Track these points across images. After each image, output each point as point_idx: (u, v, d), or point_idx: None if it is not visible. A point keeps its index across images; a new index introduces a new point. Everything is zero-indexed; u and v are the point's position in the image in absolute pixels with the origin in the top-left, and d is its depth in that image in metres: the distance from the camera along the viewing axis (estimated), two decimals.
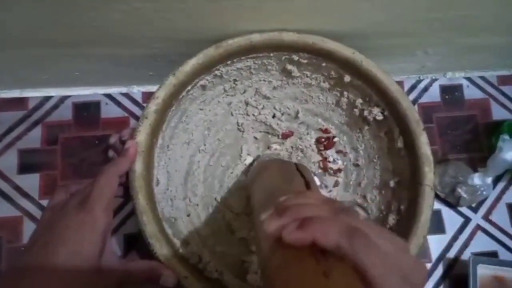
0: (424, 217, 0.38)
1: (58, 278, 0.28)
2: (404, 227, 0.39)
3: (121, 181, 0.37)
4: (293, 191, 0.31)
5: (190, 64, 0.39)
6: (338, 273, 0.21)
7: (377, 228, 0.24)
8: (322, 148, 0.50)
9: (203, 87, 0.43)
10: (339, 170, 0.49)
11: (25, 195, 0.48)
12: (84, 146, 0.50)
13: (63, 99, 0.51)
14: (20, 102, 0.50)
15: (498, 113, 0.56)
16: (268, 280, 0.24)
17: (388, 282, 0.21)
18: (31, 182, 0.49)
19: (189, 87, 0.41)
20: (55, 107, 0.51)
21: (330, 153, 0.50)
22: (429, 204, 0.39)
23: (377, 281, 0.21)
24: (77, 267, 0.29)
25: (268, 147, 0.50)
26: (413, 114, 0.40)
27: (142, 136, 0.37)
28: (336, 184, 0.49)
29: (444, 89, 0.57)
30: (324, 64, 0.43)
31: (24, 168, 0.49)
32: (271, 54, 0.43)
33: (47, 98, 0.51)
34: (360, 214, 0.26)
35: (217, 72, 0.42)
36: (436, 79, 0.57)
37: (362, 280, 0.21)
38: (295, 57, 0.43)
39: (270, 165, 0.41)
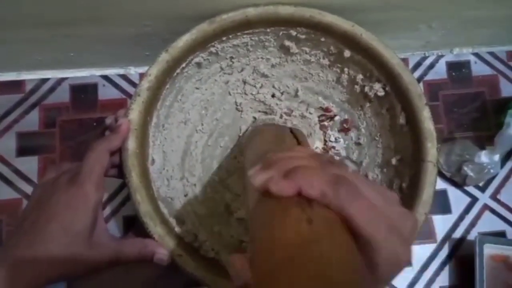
0: (426, 194, 0.37)
1: (48, 255, 0.28)
2: (406, 204, 0.38)
3: (114, 161, 0.36)
4: (283, 150, 0.30)
5: (184, 40, 0.38)
6: (321, 220, 0.20)
7: (366, 180, 0.23)
8: (327, 130, 0.48)
9: (199, 65, 0.42)
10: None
11: (25, 178, 0.48)
12: (82, 129, 0.50)
13: (60, 81, 0.51)
14: (16, 85, 0.50)
15: (507, 90, 0.54)
16: (253, 228, 0.23)
17: (374, 231, 0.20)
18: (30, 165, 0.49)
19: (183, 64, 0.40)
20: (52, 89, 0.50)
21: (332, 133, 0.49)
22: (432, 181, 0.37)
23: (363, 230, 0.20)
24: (67, 243, 0.29)
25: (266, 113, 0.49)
26: (415, 88, 0.39)
27: (134, 113, 0.36)
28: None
29: (451, 66, 0.55)
30: (323, 39, 0.42)
31: (23, 151, 0.49)
32: (268, 30, 0.41)
33: (44, 81, 0.50)
34: (349, 167, 0.25)
35: (212, 49, 0.41)
36: (442, 56, 0.55)
37: (348, 229, 0.20)
38: (293, 33, 0.41)
39: (264, 129, 0.41)
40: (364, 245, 0.20)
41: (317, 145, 0.49)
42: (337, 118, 0.48)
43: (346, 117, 0.48)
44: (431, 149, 0.37)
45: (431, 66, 0.55)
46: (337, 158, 0.30)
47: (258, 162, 0.26)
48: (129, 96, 0.51)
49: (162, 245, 0.34)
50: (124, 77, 0.51)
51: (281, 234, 0.20)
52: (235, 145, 0.48)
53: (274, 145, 0.34)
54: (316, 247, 0.18)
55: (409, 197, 0.38)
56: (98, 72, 0.51)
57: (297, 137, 0.35)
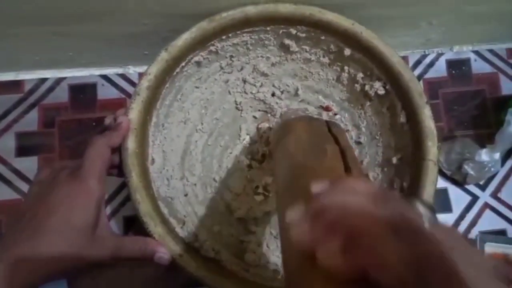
0: (427, 193, 0.37)
1: (48, 249, 0.28)
2: None
3: (114, 161, 0.36)
4: (326, 171, 0.25)
5: (183, 39, 0.38)
6: None
7: (458, 244, 0.18)
8: None
9: (198, 64, 0.42)
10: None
11: (24, 178, 0.48)
12: (81, 129, 0.50)
13: (58, 81, 0.50)
14: (15, 85, 0.50)
15: (507, 88, 0.54)
16: None
17: None
18: (30, 165, 0.48)
19: (183, 63, 0.40)
20: (51, 89, 0.50)
21: None
22: (432, 179, 0.37)
23: None
24: (69, 236, 0.29)
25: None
26: (416, 87, 0.39)
27: (134, 113, 0.36)
28: None
29: (451, 64, 0.54)
30: (323, 38, 0.42)
31: (22, 151, 0.49)
32: (268, 28, 0.41)
33: (43, 80, 0.50)
34: (426, 219, 0.19)
35: (212, 48, 0.41)
36: (442, 54, 0.55)
37: None
38: (293, 31, 0.41)
39: (296, 126, 0.34)
40: None
41: None
42: (337, 117, 0.48)
43: (346, 115, 0.48)
44: (432, 148, 0.37)
45: (431, 64, 0.55)
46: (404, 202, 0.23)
47: (296, 194, 0.21)
48: (128, 95, 0.51)
49: (163, 244, 0.33)
50: (123, 76, 0.51)
51: None
52: (235, 144, 0.48)
53: (311, 156, 0.28)
54: None
55: (410, 196, 0.38)
56: (97, 71, 0.51)
57: (337, 141, 0.30)
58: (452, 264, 0.15)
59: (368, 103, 0.45)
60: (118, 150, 0.35)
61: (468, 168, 0.48)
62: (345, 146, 0.29)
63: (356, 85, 0.44)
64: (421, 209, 0.20)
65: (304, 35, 0.42)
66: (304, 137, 0.32)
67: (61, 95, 0.50)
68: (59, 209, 0.29)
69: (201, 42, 0.39)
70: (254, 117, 0.48)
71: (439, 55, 0.55)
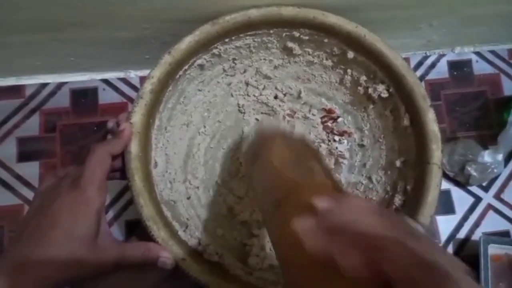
0: (431, 197, 0.37)
1: (52, 259, 0.28)
2: (411, 207, 0.38)
3: (117, 165, 0.36)
4: (320, 187, 0.26)
5: (186, 42, 0.37)
6: None
7: (446, 256, 0.19)
8: (329, 132, 0.48)
9: (201, 67, 0.42)
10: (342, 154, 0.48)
11: (26, 183, 0.48)
12: (83, 133, 0.49)
13: (60, 85, 0.50)
14: (16, 90, 0.50)
15: (509, 88, 0.54)
16: None
17: None
18: (31, 170, 0.48)
19: (186, 67, 0.39)
20: (52, 94, 0.50)
21: (335, 133, 0.48)
22: (437, 183, 0.37)
23: None
24: (71, 248, 0.29)
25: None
26: (419, 90, 0.38)
27: (137, 116, 0.36)
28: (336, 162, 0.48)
29: (452, 65, 0.54)
30: (326, 40, 0.41)
31: (24, 156, 0.48)
32: (271, 31, 0.41)
33: (44, 85, 0.50)
34: (421, 231, 0.22)
35: (215, 51, 0.41)
36: (443, 55, 0.55)
37: None
38: (296, 34, 0.41)
39: (274, 140, 0.33)
40: None
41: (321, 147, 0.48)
42: (340, 119, 0.48)
43: (349, 118, 0.47)
44: (436, 151, 0.37)
45: (433, 65, 0.55)
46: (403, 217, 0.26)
47: (297, 205, 0.22)
48: (130, 99, 0.51)
49: (166, 249, 0.33)
50: (124, 80, 0.51)
51: None
52: (236, 146, 0.48)
53: (300, 172, 0.29)
54: None
55: (413, 199, 0.38)
56: (98, 76, 0.51)
57: (318, 160, 0.30)
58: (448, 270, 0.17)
59: (371, 106, 0.44)
60: (121, 155, 0.35)
61: (471, 169, 0.48)
62: (324, 164, 0.30)
63: (359, 87, 0.44)
64: (419, 228, 0.22)
65: (307, 37, 0.41)
66: (286, 152, 0.32)
67: (62, 100, 0.50)
68: (61, 221, 0.29)
69: (204, 45, 0.39)
70: (257, 119, 0.48)
71: (441, 56, 0.55)
